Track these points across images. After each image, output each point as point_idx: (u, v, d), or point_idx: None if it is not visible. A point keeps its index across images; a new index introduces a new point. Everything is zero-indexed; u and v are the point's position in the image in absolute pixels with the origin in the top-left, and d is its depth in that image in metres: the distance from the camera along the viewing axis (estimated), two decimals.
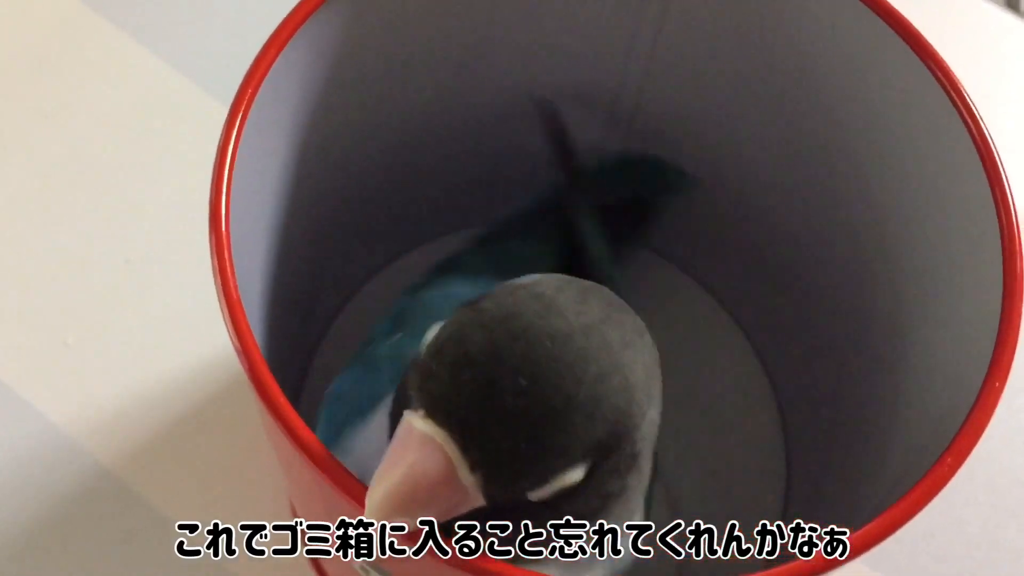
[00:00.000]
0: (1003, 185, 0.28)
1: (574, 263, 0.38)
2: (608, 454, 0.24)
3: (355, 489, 0.23)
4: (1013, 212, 0.27)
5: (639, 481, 0.27)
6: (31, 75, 0.50)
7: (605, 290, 0.25)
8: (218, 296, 0.25)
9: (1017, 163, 0.51)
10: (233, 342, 0.25)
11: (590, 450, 0.23)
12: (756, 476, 0.43)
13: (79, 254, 0.47)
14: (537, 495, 0.24)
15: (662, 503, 0.42)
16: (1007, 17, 0.56)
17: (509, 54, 0.38)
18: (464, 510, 0.24)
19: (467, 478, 0.23)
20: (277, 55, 0.29)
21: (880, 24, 0.30)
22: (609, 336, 0.23)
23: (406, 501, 0.23)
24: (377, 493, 0.23)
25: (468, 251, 0.39)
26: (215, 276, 0.26)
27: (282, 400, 0.24)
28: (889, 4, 0.30)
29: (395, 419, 0.27)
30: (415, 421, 0.23)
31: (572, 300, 0.24)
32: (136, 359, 0.45)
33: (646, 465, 0.27)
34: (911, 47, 0.29)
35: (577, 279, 0.25)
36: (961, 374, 0.27)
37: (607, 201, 0.40)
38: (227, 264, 0.26)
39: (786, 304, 0.42)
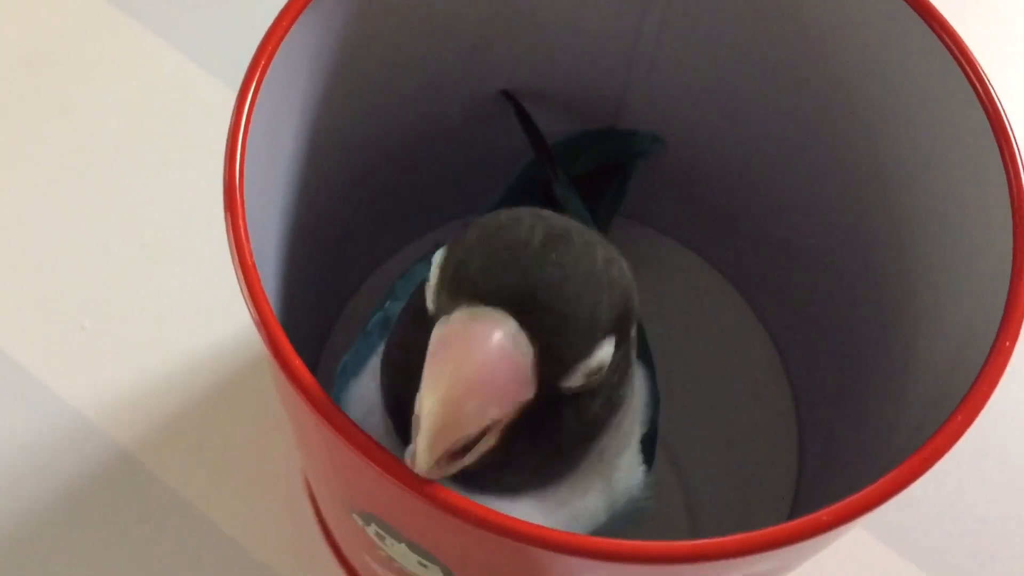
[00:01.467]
0: (1012, 147, 0.28)
1: None
2: (623, 334, 0.25)
3: (368, 446, 0.24)
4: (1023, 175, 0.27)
5: (631, 398, 0.28)
6: (49, 67, 0.51)
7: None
8: (233, 262, 0.26)
9: None
10: (246, 299, 0.25)
11: (614, 321, 0.25)
12: (767, 446, 0.44)
13: (95, 240, 0.47)
14: (581, 372, 0.24)
15: (673, 481, 0.43)
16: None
17: (520, 36, 0.38)
18: (523, 394, 0.24)
19: (527, 351, 0.23)
20: (289, 27, 0.29)
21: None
22: (588, 236, 0.25)
23: (477, 380, 0.23)
24: (444, 376, 0.23)
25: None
26: (230, 242, 0.26)
27: (294, 357, 0.24)
28: None
29: (388, 373, 0.28)
30: (457, 314, 0.23)
31: (548, 214, 0.25)
32: (152, 342, 0.45)
33: (632, 385, 0.28)
34: (923, 18, 0.29)
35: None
36: (972, 338, 0.28)
37: (581, 170, 0.42)
38: (241, 231, 0.26)
39: (792, 273, 0.42)
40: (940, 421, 0.25)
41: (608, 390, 0.26)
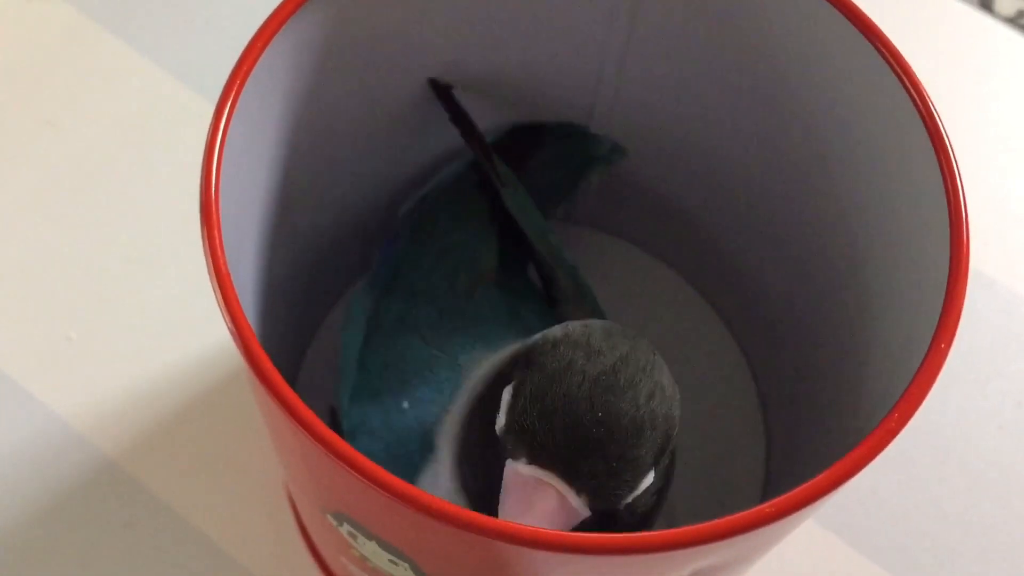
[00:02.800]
0: (950, 160, 0.29)
1: (514, 242, 0.39)
2: (663, 457, 0.29)
3: (335, 444, 0.25)
4: (961, 193, 0.29)
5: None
6: (35, 84, 0.52)
7: (615, 324, 0.31)
8: (207, 268, 0.27)
9: (995, 161, 0.53)
10: (222, 310, 0.26)
11: (656, 455, 0.29)
12: (737, 440, 0.46)
13: (81, 254, 0.48)
14: (625, 501, 0.29)
15: None
16: (982, 17, 0.58)
17: (490, 65, 0.39)
18: (577, 522, 0.28)
19: (576, 502, 0.28)
20: (266, 46, 0.31)
21: (835, 14, 0.32)
22: (640, 360, 0.29)
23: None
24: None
25: (409, 250, 0.40)
26: (205, 249, 0.27)
27: (265, 359, 0.25)
28: None
29: (466, 471, 0.32)
30: (522, 469, 0.28)
31: (601, 339, 0.30)
32: (137, 353, 0.47)
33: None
34: (863, 34, 0.31)
35: (596, 321, 0.31)
36: (915, 342, 0.29)
37: (538, 178, 0.42)
38: (216, 240, 0.27)
39: (753, 279, 0.43)
40: (878, 422, 0.26)
41: (655, 485, 0.30)
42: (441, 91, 0.39)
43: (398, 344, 0.37)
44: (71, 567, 0.42)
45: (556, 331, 0.31)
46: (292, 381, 0.45)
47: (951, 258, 0.28)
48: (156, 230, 0.49)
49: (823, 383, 0.38)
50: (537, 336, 0.31)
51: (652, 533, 0.24)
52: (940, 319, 0.27)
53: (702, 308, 0.48)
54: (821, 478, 0.25)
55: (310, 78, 0.35)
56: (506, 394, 0.29)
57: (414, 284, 0.38)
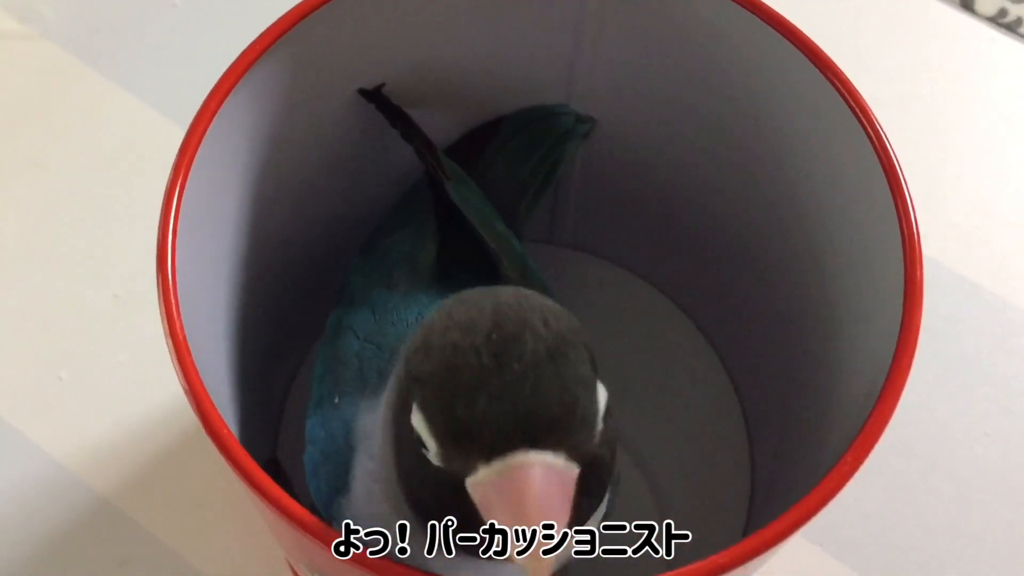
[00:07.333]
0: (902, 190, 0.29)
1: (463, 237, 0.38)
2: (594, 364, 0.26)
3: (300, 515, 0.25)
4: (914, 221, 0.29)
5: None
6: (20, 125, 0.53)
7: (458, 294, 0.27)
8: (165, 334, 0.27)
9: (979, 164, 0.53)
10: (184, 387, 0.27)
11: (592, 365, 0.25)
12: (722, 442, 0.46)
13: (70, 292, 0.49)
14: (599, 428, 0.25)
15: (649, 501, 0.45)
16: (962, 18, 0.58)
17: (458, 91, 0.39)
18: (573, 483, 0.25)
19: (559, 460, 0.24)
20: (224, 98, 0.31)
21: (780, 39, 0.32)
22: (509, 298, 0.26)
23: (550, 509, 0.24)
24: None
25: (359, 261, 0.39)
26: (161, 312, 0.28)
27: (223, 427, 0.26)
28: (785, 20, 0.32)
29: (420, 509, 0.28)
30: (494, 468, 0.24)
31: (461, 311, 0.26)
32: (128, 390, 0.47)
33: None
34: (810, 60, 0.31)
35: (444, 303, 0.27)
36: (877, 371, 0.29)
37: (507, 175, 0.41)
38: (172, 302, 0.28)
39: (736, 301, 0.44)
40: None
41: (607, 434, 0.27)
42: (374, 95, 0.37)
43: (336, 347, 0.35)
44: None
45: (414, 335, 0.26)
46: (279, 413, 0.46)
47: (904, 305, 0.28)
48: (142, 265, 0.50)
49: (799, 393, 0.38)
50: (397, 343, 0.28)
51: None
52: (895, 355, 0.27)
53: (682, 322, 0.48)
54: (772, 528, 0.25)
55: (274, 116, 0.35)
56: (418, 423, 0.25)
57: (354, 289, 0.37)
